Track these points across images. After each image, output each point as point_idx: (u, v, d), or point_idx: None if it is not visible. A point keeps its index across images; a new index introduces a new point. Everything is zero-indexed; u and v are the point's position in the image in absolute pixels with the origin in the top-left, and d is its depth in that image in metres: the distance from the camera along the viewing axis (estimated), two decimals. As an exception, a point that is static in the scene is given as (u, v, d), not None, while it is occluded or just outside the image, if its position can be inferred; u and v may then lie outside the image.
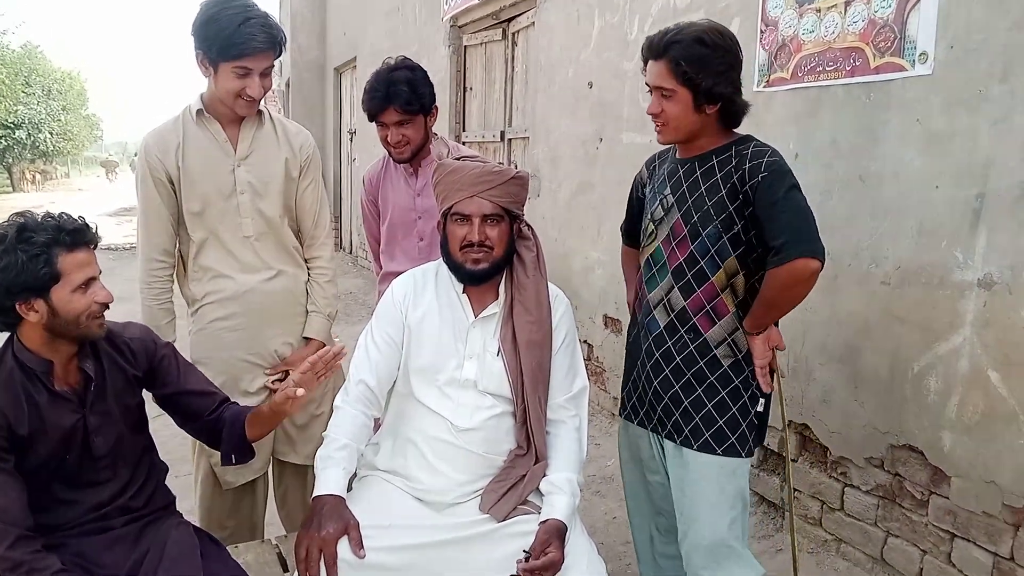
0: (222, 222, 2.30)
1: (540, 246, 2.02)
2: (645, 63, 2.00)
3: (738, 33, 3.08)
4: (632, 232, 2.29)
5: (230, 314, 2.33)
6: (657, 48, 1.93)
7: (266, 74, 2.22)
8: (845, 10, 2.64)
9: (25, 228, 1.67)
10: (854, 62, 2.62)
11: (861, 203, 2.62)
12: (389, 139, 2.60)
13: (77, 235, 1.71)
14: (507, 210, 1.94)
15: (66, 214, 1.76)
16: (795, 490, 3.04)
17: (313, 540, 1.70)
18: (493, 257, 1.93)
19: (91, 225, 1.78)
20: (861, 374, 2.67)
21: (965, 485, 2.36)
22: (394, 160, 2.70)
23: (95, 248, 1.78)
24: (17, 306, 1.68)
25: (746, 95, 2.99)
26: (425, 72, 2.66)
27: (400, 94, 2.51)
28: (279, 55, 2.24)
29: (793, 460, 3.04)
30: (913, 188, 2.45)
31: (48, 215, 1.73)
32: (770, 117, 3.00)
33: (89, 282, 1.73)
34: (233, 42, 2.11)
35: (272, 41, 2.18)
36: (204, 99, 2.28)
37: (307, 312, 2.48)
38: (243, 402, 2.35)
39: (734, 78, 1.94)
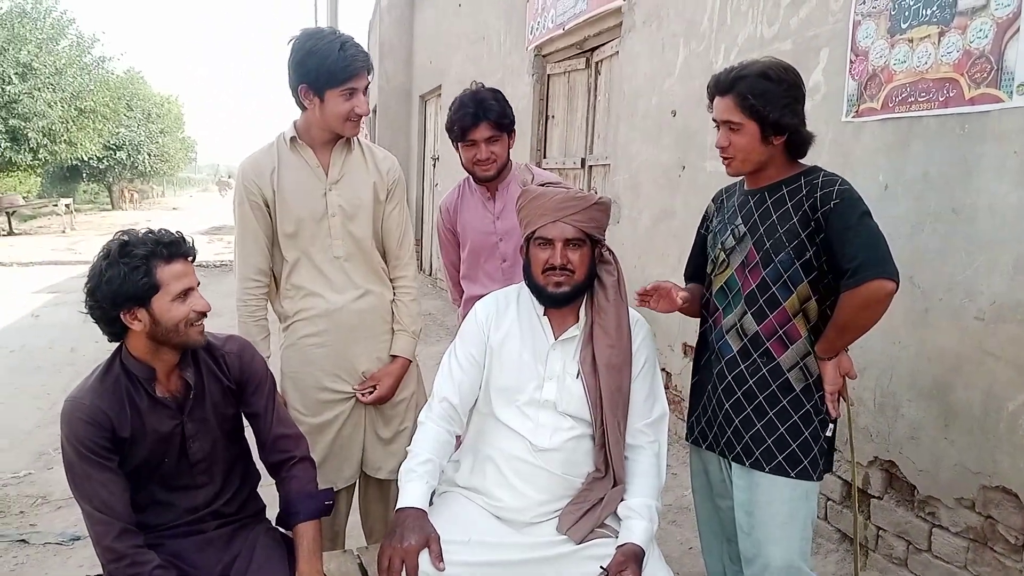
0: (314, 243, 2.40)
1: (621, 271, 2.06)
2: (711, 99, 2.08)
3: (827, 63, 3.11)
4: (695, 276, 2.34)
5: (319, 331, 2.42)
6: (724, 84, 2.01)
7: (366, 91, 2.35)
8: (939, 40, 2.60)
9: (127, 243, 1.79)
10: (948, 93, 2.57)
11: (954, 237, 2.57)
12: (479, 156, 2.67)
13: (173, 247, 1.82)
14: (589, 235, 1.99)
15: (164, 229, 1.87)
16: (879, 528, 2.96)
17: (396, 551, 1.75)
18: (574, 280, 1.98)
19: (187, 239, 1.89)
20: (951, 411, 2.60)
21: (1063, 531, 2.26)
22: (478, 179, 2.77)
23: (192, 260, 1.88)
24: (122, 315, 1.79)
25: (834, 125, 3.03)
26: (505, 96, 2.76)
27: (492, 109, 2.61)
28: (371, 73, 2.36)
29: (878, 497, 2.96)
30: (1009, 222, 2.39)
31: (148, 231, 1.85)
32: (859, 148, 2.96)
33: (187, 292, 1.83)
34: (338, 68, 2.23)
35: (367, 60, 2.32)
36: (298, 127, 2.40)
37: (393, 331, 2.55)
38: (322, 416, 2.46)
39: (798, 110, 2.01)
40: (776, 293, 2.00)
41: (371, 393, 2.48)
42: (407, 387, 2.58)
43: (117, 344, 1.90)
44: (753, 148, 2.01)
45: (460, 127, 2.66)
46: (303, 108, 2.36)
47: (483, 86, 2.73)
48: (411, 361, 2.58)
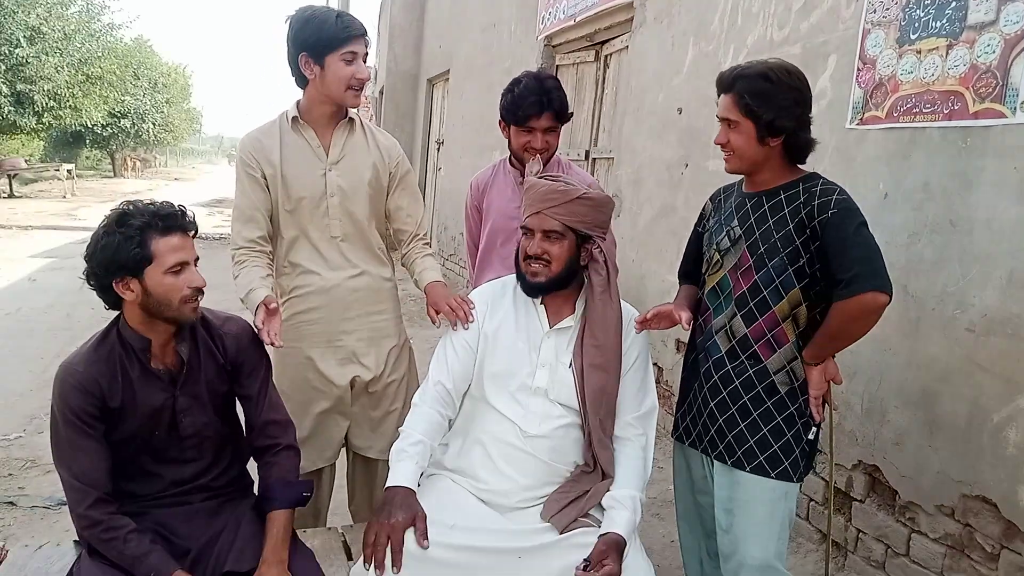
0: (311, 222, 2.41)
1: (611, 272, 2.05)
2: (719, 96, 2.10)
3: (834, 70, 3.13)
4: (690, 273, 2.35)
5: (313, 307, 2.43)
6: (726, 82, 2.04)
7: (365, 59, 2.36)
8: (947, 53, 2.62)
9: (125, 213, 1.80)
10: (952, 106, 2.59)
11: (950, 248, 2.59)
12: (533, 144, 2.64)
13: (170, 220, 1.82)
14: (573, 229, 2.00)
15: (167, 201, 1.88)
16: (860, 531, 2.99)
17: (382, 527, 1.77)
18: (550, 272, 2.02)
19: (187, 212, 1.88)
20: (937, 420, 2.63)
21: (1039, 543, 2.30)
22: (522, 168, 2.74)
23: (193, 235, 1.88)
24: (114, 284, 1.80)
25: (838, 132, 3.05)
26: None
27: (556, 100, 2.59)
28: (368, 45, 2.38)
29: (860, 500, 3.00)
30: (1005, 237, 2.41)
31: (150, 202, 1.86)
32: (861, 155, 2.98)
33: (183, 266, 1.83)
34: (337, 31, 2.26)
35: (364, 27, 2.34)
36: (300, 106, 2.41)
37: (416, 273, 2.53)
38: (308, 397, 2.46)
39: (799, 114, 2.02)
40: (767, 297, 2.02)
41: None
42: (398, 368, 2.60)
43: (115, 312, 1.92)
44: (748, 147, 2.02)
45: (523, 113, 2.62)
46: (303, 84, 2.37)
47: (546, 71, 2.71)
48: (444, 282, 2.49)
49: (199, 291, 1.88)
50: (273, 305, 2.12)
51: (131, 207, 1.83)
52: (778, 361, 2.03)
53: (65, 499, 1.87)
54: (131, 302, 1.83)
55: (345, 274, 2.45)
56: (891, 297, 1.87)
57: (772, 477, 2.03)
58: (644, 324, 2.11)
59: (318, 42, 2.27)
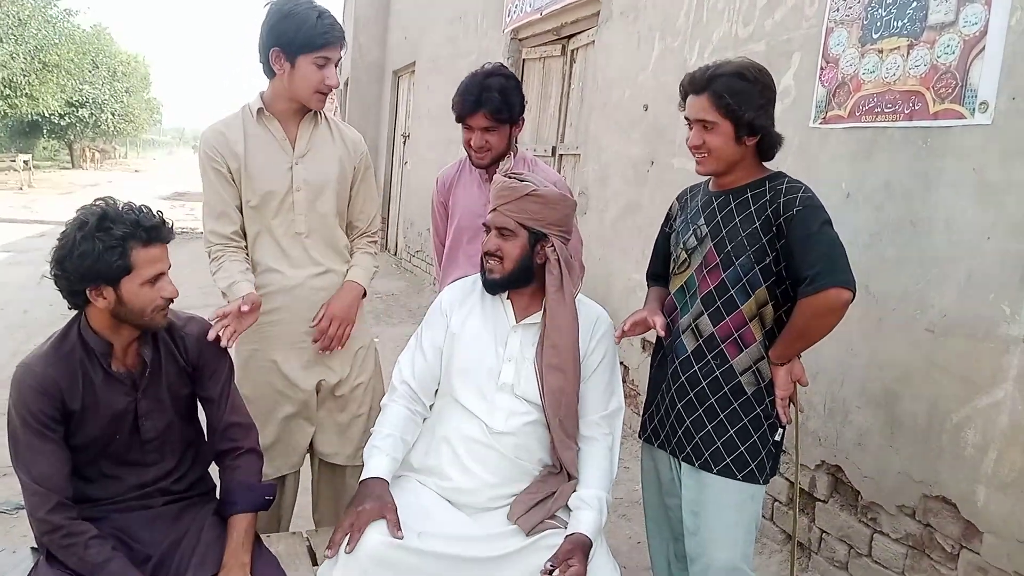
0: (276, 217, 2.36)
1: (564, 272, 2.02)
2: (684, 97, 2.08)
3: (798, 68, 3.13)
4: (658, 275, 2.34)
5: (275, 308, 2.38)
6: (700, 83, 2.01)
7: (337, 65, 2.31)
8: (908, 53, 2.62)
9: (106, 217, 1.73)
10: (913, 106, 2.60)
11: (910, 248, 2.60)
12: (472, 143, 2.62)
13: (153, 232, 1.77)
14: (526, 227, 1.99)
15: (146, 207, 1.82)
16: (823, 531, 3.01)
17: (349, 513, 1.79)
18: (503, 269, 2.01)
19: (168, 222, 1.84)
20: (898, 420, 2.65)
21: (998, 542, 2.32)
22: (473, 164, 2.73)
23: (168, 244, 1.84)
24: (88, 291, 1.75)
25: (801, 130, 3.05)
26: (519, 82, 2.70)
27: (492, 100, 2.54)
28: (344, 49, 2.33)
29: (823, 500, 3.01)
30: (964, 237, 2.43)
31: (129, 207, 1.79)
32: (824, 155, 2.99)
33: (158, 277, 1.80)
34: (315, 34, 2.21)
35: (343, 33, 2.30)
36: (265, 98, 2.36)
37: (348, 269, 2.50)
38: (272, 402, 2.41)
39: (771, 112, 2.03)
40: (734, 296, 2.02)
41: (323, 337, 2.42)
42: (364, 371, 2.56)
43: (71, 310, 1.86)
44: (726, 148, 2.01)
45: (458, 111, 2.61)
46: (271, 75, 2.31)
47: (499, 67, 2.66)
48: (363, 289, 2.50)
49: (170, 300, 1.85)
50: (246, 308, 2.09)
51: (109, 209, 1.76)
52: (744, 361, 2.03)
53: (22, 503, 1.81)
54: (101, 308, 1.78)
55: (308, 272, 2.40)
56: (855, 294, 1.87)
57: (739, 479, 2.03)
58: (622, 335, 2.11)
59: (293, 40, 2.22)
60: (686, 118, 2.07)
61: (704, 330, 2.06)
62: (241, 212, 2.37)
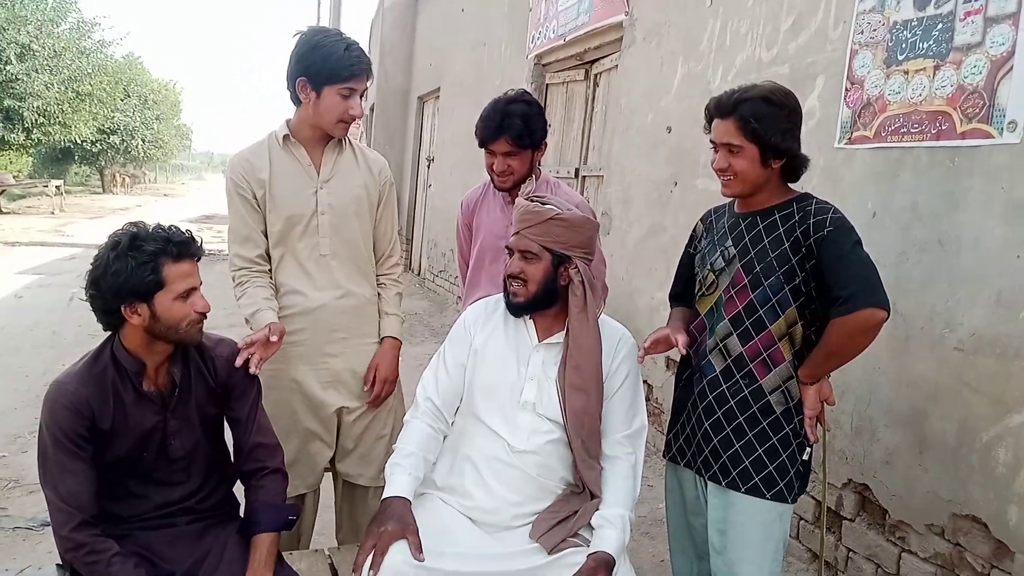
0: (301, 240, 2.40)
1: (588, 294, 2.02)
2: (709, 121, 2.09)
3: (822, 90, 3.15)
4: (680, 295, 2.34)
5: (297, 329, 2.40)
6: (726, 107, 2.02)
7: (362, 96, 2.36)
8: (934, 74, 2.64)
9: (137, 237, 1.79)
10: (940, 126, 2.61)
11: (938, 267, 2.60)
12: (495, 167, 2.67)
13: (183, 247, 1.82)
14: (549, 250, 2.00)
15: (175, 227, 1.87)
16: (850, 550, 2.98)
17: (371, 534, 1.79)
18: (528, 292, 2.02)
19: (197, 239, 1.89)
20: (926, 439, 2.63)
21: (1030, 563, 2.29)
22: (496, 187, 2.77)
23: (199, 260, 1.88)
24: (123, 308, 1.79)
25: (826, 152, 3.07)
26: (541, 108, 2.73)
27: (514, 127, 2.58)
28: (371, 80, 2.38)
29: (850, 519, 2.99)
30: (993, 256, 2.42)
31: (159, 227, 1.85)
32: (849, 175, 3.00)
33: (190, 292, 1.84)
34: (341, 65, 2.25)
35: (369, 65, 2.34)
36: (291, 125, 2.41)
37: (381, 315, 2.57)
38: (292, 424, 2.43)
39: (797, 135, 2.04)
40: (763, 316, 2.02)
41: (371, 391, 2.51)
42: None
43: (106, 331, 1.90)
44: (752, 171, 2.02)
45: (480, 136, 2.66)
46: (297, 103, 2.37)
47: (522, 94, 2.71)
48: (400, 341, 2.59)
49: (204, 315, 1.88)
50: (275, 338, 2.13)
51: (140, 230, 1.81)
52: (774, 381, 2.03)
53: (48, 520, 1.84)
54: (135, 325, 1.82)
55: (331, 295, 2.43)
56: (889, 313, 1.88)
57: (767, 498, 2.02)
58: (645, 354, 2.12)
59: (320, 71, 2.27)
60: (712, 141, 2.09)
61: (733, 350, 2.06)
62: (266, 236, 2.42)
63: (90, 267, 1.82)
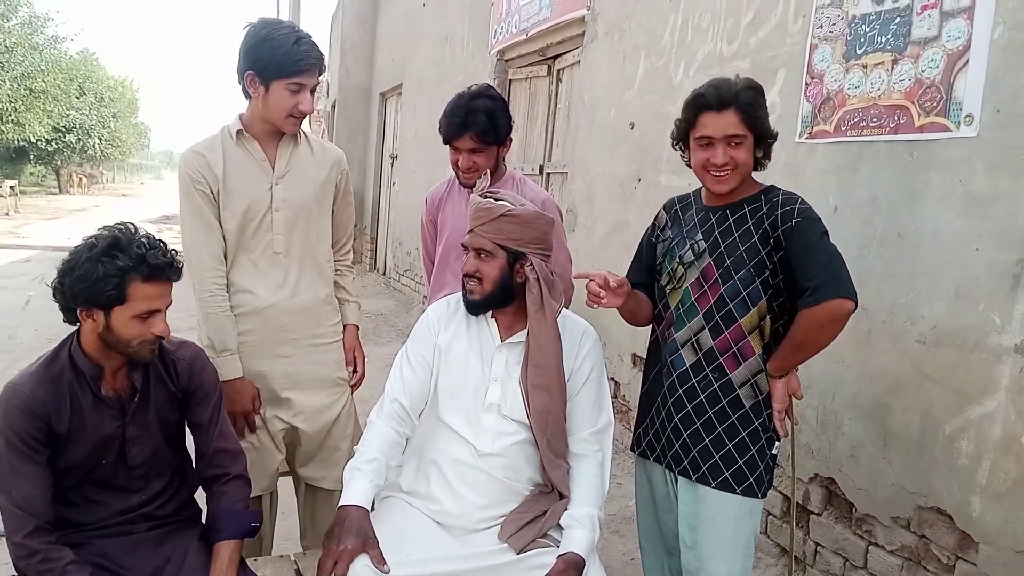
0: (255, 237, 2.35)
1: (545, 290, 1.98)
2: (696, 115, 2.02)
3: (783, 84, 3.15)
4: (638, 284, 2.27)
5: (247, 330, 2.36)
6: (727, 98, 1.98)
7: (313, 91, 2.31)
8: (892, 68, 2.65)
9: (115, 245, 1.73)
10: (898, 120, 2.62)
11: (899, 261, 2.62)
12: (460, 164, 2.63)
13: (156, 271, 1.76)
14: (503, 247, 1.97)
15: (161, 244, 1.80)
16: (818, 544, 3.00)
17: (331, 552, 1.74)
18: (483, 290, 2.00)
19: (177, 262, 1.82)
20: (890, 432, 2.65)
21: (994, 553, 2.31)
22: (461, 184, 2.73)
23: (174, 281, 1.83)
24: (78, 311, 1.75)
25: (787, 146, 3.08)
26: (505, 103, 2.69)
27: (478, 123, 2.53)
28: (322, 74, 2.33)
29: (817, 513, 3.00)
30: (952, 249, 2.44)
31: (144, 240, 1.77)
32: (810, 169, 3.01)
33: (152, 313, 1.78)
34: (289, 59, 2.20)
35: (321, 59, 2.29)
36: (243, 119, 2.36)
37: (341, 303, 2.61)
38: (275, 414, 2.41)
39: None
40: (733, 309, 2.01)
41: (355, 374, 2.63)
42: (342, 397, 2.55)
43: (64, 333, 1.86)
44: (749, 161, 2.01)
45: (444, 133, 2.62)
46: (248, 97, 2.32)
47: (486, 89, 2.66)
48: (358, 328, 2.68)
49: (161, 338, 1.83)
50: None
51: (123, 237, 1.75)
52: (743, 374, 2.03)
53: (1, 532, 1.78)
54: (90, 329, 1.78)
55: (282, 295, 2.38)
56: (856, 304, 1.88)
57: (738, 493, 2.02)
58: (594, 300, 2.03)
59: (267, 65, 2.21)
60: (704, 136, 2.01)
61: (703, 344, 2.05)
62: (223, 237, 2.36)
63: (65, 257, 1.77)
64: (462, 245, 2.07)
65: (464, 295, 2.05)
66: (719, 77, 2.07)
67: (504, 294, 2.01)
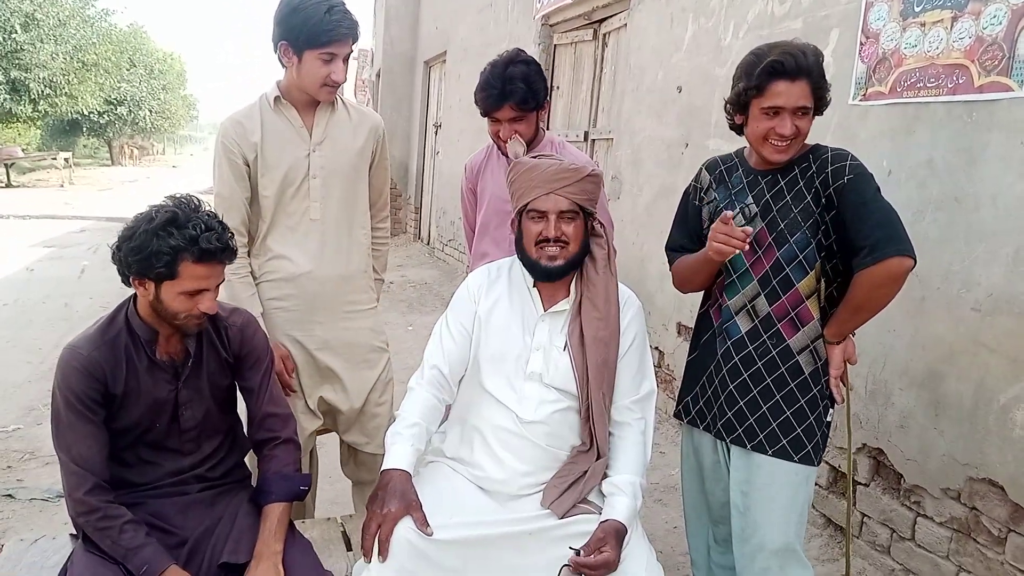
0: (291, 204, 2.37)
1: (612, 244, 2.03)
2: (764, 83, 1.92)
3: (836, 44, 3.06)
4: (685, 248, 2.22)
5: (283, 295, 2.39)
6: (804, 67, 1.90)
7: (347, 60, 2.30)
8: (952, 25, 2.55)
9: (172, 222, 1.74)
10: (957, 80, 2.53)
11: (955, 225, 2.54)
12: (501, 134, 2.59)
13: (207, 255, 1.77)
14: (582, 207, 1.97)
15: (219, 224, 1.81)
16: (864, 515, 2.96)
17: (375, 516, 1.75)
18: (569, 253, 1.96)
19: (231, 246, 1.83)
20: (942, 402, 2.59)
21: (1047, 525, 2.26)
22: (503, 153, 2.70)
23: (227, 263, 1.84)
24: (131, 278, 1.79)
25: (840, 108, 2.99)
26: (539, 66, 2.64)
27: (516, 91, 2.50)
28: (356, 42, 2.31)
29: (864, 484, 2.96)
30: (1012, 213, 2.36)
31: (203, 220, 1.78)
32: (864, 132, 2.92)
33: (200, 291, 1.80)
34: (321, 29, 2.19)
35: (354, 28, 2.26)
36: (281, 87, 2.36)
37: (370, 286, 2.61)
38: (312, 381, 2.44)
39: None
40: (790, 274, 1.97)
41: None
42: (379, 364, 2.57)
43: (117, 302, 1.89)
44: (808, 132, 1.97)
45: (483, 106, 2.58)
46: (284, 65, 2.32)
47: (518, 53, 2.61)
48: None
49: (206, 315, 1.85)
50: None
51: (181, 215, 1.76)
52: (802, 340, 1.99)
53: (62, 492, 1.84)
54: (142, 296, 1.82)
55: (318, 262, 2.40)
56: (915, 261, 1.83)
57: (795, 461, 1.99)
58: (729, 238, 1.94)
59: (299, 35, 2.21)
60: (773, 107, 1.92)
61: (760, 310, 2.02)
62: (249, 205, 2.38)
63: (128, 223, 1.80)
64: (533, 209, 1.99)
65: (535, 264, 1.99)
66: (781, 41, 1.98)
67: (583, 256, 2.00)
